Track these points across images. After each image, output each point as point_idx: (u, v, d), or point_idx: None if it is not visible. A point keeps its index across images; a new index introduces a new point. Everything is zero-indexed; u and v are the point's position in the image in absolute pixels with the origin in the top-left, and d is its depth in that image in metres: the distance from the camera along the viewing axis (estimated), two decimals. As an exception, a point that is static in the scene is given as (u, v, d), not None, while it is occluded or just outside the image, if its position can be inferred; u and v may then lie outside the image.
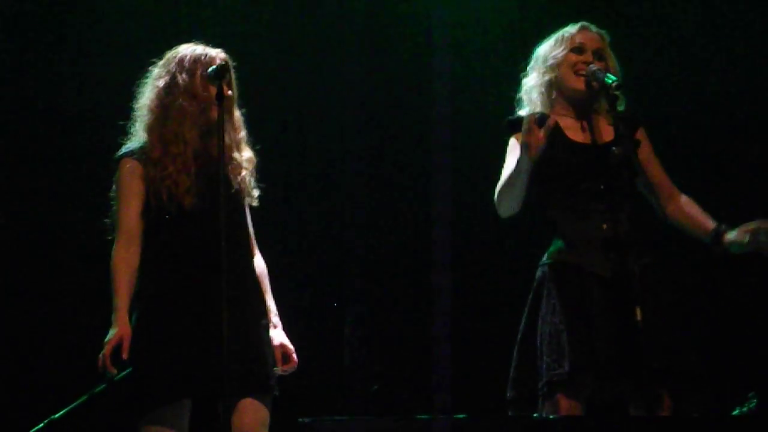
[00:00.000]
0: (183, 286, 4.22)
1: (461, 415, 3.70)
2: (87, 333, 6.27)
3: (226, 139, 4.26)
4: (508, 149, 4.43)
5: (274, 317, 4.37)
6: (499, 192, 4.36)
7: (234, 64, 4.46)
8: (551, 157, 4.32)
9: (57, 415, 5.49)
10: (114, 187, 4.37)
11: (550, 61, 4.46)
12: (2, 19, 6.50)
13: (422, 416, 3.75)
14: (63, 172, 6.51)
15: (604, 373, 4.13)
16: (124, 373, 4.28)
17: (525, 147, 4.15)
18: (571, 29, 4.51)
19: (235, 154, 4.39)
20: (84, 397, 5.48)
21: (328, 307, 6.34)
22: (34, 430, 5.44)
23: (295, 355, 4.33)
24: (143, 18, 6.47)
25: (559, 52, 4.45)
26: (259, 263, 4.45)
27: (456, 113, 6.86)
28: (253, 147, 4.52)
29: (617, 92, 4.30)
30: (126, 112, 4.50)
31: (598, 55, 4.44)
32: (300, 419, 3.50)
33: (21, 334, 6.35)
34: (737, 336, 6.32)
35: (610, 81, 4.27)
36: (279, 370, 4.25)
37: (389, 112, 6.93)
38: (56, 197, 6.49)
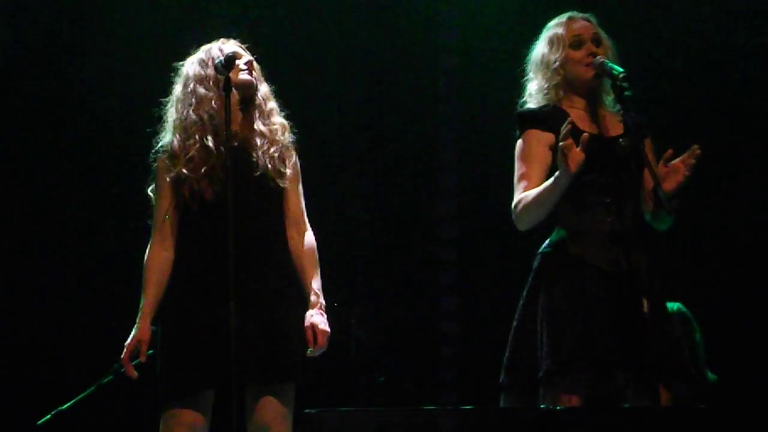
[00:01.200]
0: (204, 279, 4.22)
1: (468, 406, 3.71)
2: (93, 325, 6.33)
3: (256, 126, 4.31)
4: (521, 147, 4.37)
5: (313, 296, 4.28)
6: (526, 208, 4.24)
7: (247, 45, 4.47)
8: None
9: (64, 407, 5.52)
10: (151, 185, 4.40)
11: (555, 65, 4.40)
12: (30, 22, 6.53)
13: (429, 407, 3.75)
14: (74, 170, 6.54)
15: (601, 365, 4.12)
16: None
17: (565, 166, 4.08)
18: (559, 27, 4.45)
19: (262, 128, 4.34)
20: (91, 389, 5.50)
21: (335, 300, 6.35)
22: (42, 421, 5.46)
23: (323, 337, 4.20)
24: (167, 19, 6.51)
25: (560, 52, 4.41)
26: (308, 241, 4.38)
27: (461, 109, 6.88)
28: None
29: (624, 84, 4.27)
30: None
31: (596, 40, 4.42)
32: (306, 410, 3.50)
33: (29, 327, 6.37)
34: (734, 333, 6.33)
35: (617, 72, 4.25)
36: (310, 351, 4.22)
37: (393, 109, 6.94)
38: (72, 195, 6.53)
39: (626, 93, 4.24)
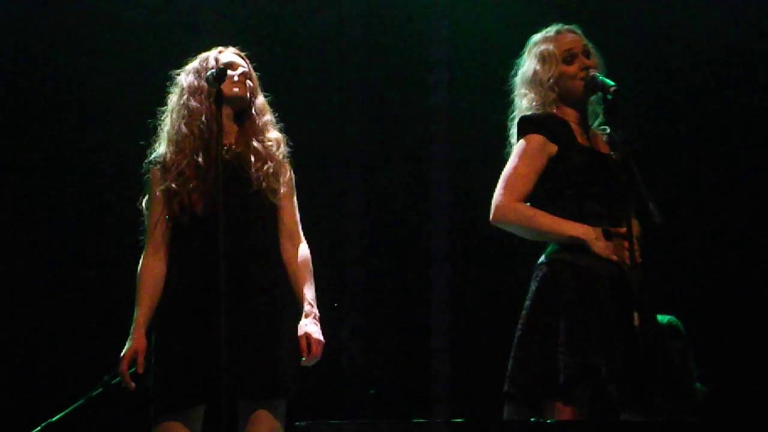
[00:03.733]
0: (195, 293, 4.21)
1: (458, 419, 3.70)
2: (84, 336, 6.32)
3: (251, 142, 4.30)
4: (523, 148, 4.33)
5: (307, 306, 4.28)
6: (518, 222, 4.30)
7: (246, 53, 4.46)
8: (565, 158, 4.30)
9: (54, 419, 5.50)
10: (143, 196, 4.39)
11: (549, 82, 4.41)
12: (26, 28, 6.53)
13: (419, 420, 3.74)
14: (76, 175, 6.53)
15: (608, 378, 4.12)
16: (118, 378, 4.28)
17: (600, 250, 4.18)
18: (548, 43, 4.45)
19: (257, 144, 4.32)
20: (81, 401, 5.48)
21: (326, 310, 6.34)
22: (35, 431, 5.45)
23: (317, 347, 4.19)
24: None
25: (553, 69, 4.42)
26: (302, 252, 4.37)
27: (454, 116, 6.88)
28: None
29: (614, 96, 4.28)
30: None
31: (586, 52, 4.43)
32: (297, 423, 3.49)
33: (19, 339, 6.35)
34: (734, 341, 6.33)
35: (609, 85, 4.26)
36: (303, 361, 4.21)
37: (388, 117, 6.94)
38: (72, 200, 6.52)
39: (612, 101, 4.27)
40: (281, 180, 4.36)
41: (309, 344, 4.20)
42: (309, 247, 4.40)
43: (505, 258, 5.87)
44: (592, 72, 4.34)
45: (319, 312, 4.30)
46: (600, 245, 4.18)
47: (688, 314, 5.84)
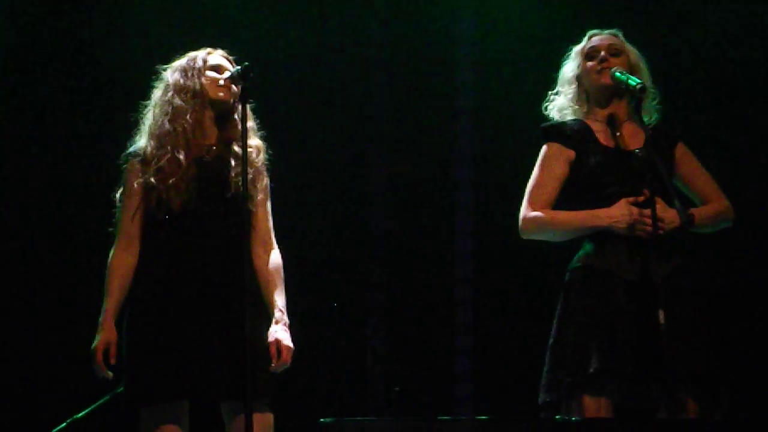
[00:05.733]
0: (171, 290, 4.21)
1: (483, 416, 3.70)
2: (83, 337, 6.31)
3: (232, 146, 4.33)
4: (542, 157, 4.43)
5: (277, 312, 4.29)
6: (543, 228, 4.37)
7: (235, 57, 4.47)
8: (583, 161, 4.34)
9: (80, 415, 5.52)
10: (119, 187, 4.39)
11: (569, 75, 4.50)
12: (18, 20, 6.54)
13: (444, 417, 3.74)
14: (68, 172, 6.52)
15: (628, 376, 4.11)
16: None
17: (625, 227, 4.19)
18: (581, 43, 4.54)
19: (237, 149, 4.31)
20: (106, 397, 5.50)
21: (351, 309, 6.35)
22: (56, 429, 5.47)
23: (287, 353, 4.21)
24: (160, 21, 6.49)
25: (576, 65, 4.50)
26: (274, 259, 4.39)
27: (479, 121, 6.87)
28: (273, 150, 4.52)
29: (642, 95, 4.29)
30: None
31: (613, 51, 4.44)
32: (321, 420, 3.50)
33: (45, 334, 6.36)
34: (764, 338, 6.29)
35: (634, 84, 4.27)
36: (272, 367, 4.21)
37: (413, 118, 6.93)
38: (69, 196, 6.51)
39: (647, 109, 4.32)
40: (258, 186, 4.38)
41: (279, 350, 4.21)
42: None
43: (529, 257, 5.86)
44: (615, 69, 4.35)
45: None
46: (622, 225, 4.19)
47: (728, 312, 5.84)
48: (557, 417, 4.10)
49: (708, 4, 6.57)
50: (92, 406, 5.55)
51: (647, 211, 4.17)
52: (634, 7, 6.47)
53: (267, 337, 4.23)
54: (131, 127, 4.45)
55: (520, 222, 4.40)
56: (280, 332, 4.24)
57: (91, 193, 6.24)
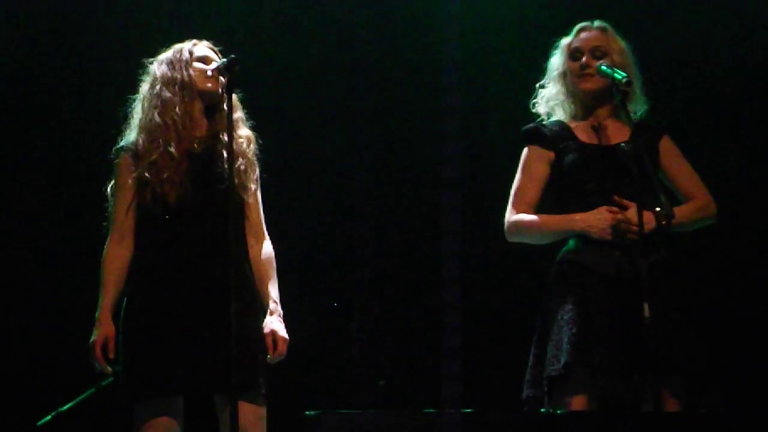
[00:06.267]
0: (166, 284, 4.22)
1: (469, 410, 3.70)
2: (79, 336, 6.29)
3: (222, 137, 4.31)
4: (523, 161, 4.48)
5: (272, 304, 4.30)
6: (522, 232, 4.44)
7: (220, 48, 4.48)
8: (561, 161, 4.37)
9: (64, 408, 5.51)
10: (110, 182, 4.38)
11: (555, 72, 4.53)
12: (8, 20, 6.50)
13: (429, 410, 3.74)
14: (58, 169, 6.50)
15: (606, 370, 4.12)
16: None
17: (599, 232, 4.19)
18: (568, 38, 4.55)
19: (226, 140, 4.24)
20: (91, 390, 5.50)
21: (337, 301, 6.34)
22: (41, 422, 5.46)
23: (283, 344, 4.23)
24: (148, 16, 6.46)
25: (561, 61, 4.51)
26: (266, 250, 4.39)
27: (467, 120, 6.86)
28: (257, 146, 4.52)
29: (627, 88, 4.30)
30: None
31: (598, 52, 4.45)
32: (307, 412, 3.50)
33: (28, 328, 6.34)
34: (749, 333, 6.29)
35: (619, 77, 4.28)
36: (268, 358, 4.22)
37: (399, 118, 6.92)
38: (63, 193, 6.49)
39: (631, 103, 4.33)
40: (251, 177, 4.39)
41: (275, 341, 4.22)
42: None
43: (516, 256, 5.86)
44: (601, 63, 4.36)
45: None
46: (596, 231, 4.21)
47: (712, 304, 5.85)
48: (542, 410, 4.11)
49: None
50: (77, 399, 5.54)
51: (622, 216, 4.19)
52: (624, 6, 6.45)
53: (262, 329, 4.24)
54: (120, 121, 4.44)
55: (504, 226, 4.47)
56: (275, 323, 4.26)
57: (77, 185, 6.24)
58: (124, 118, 4.45)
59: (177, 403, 4.22)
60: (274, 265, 4.39)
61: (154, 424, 4.16)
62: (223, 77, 4.25)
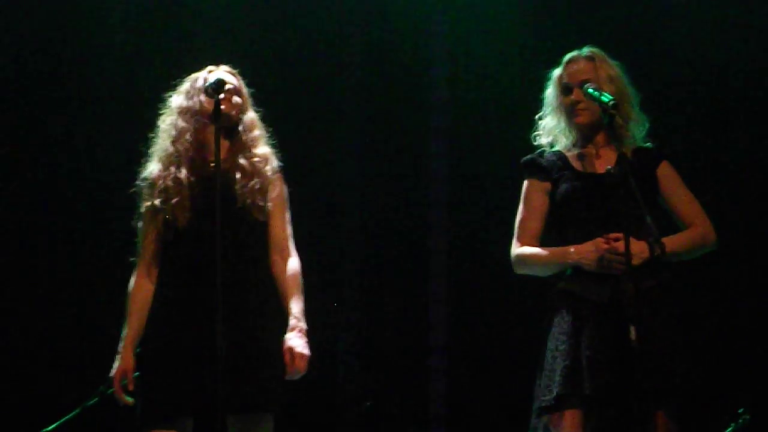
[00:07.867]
0: (181, 307, 4.23)
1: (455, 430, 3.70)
2: (80, 346, 6.30)
3: (238, 159, 4.36)
4: (523, 193, 4.50)
5: (292, 320, 4.28)
6: (525, 266, 4.44)
7: (238, 69, 4.52)
8: (556, 190, 4.38)
9: (50, 428, 5.49)
10: (136, 215, 4.45)
11: (550, 106, 4.54)
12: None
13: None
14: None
15: (599, 400, 4.13)
16: (112, 389, 4.30)
17: (593, 263, 4.22)
18: (559, 69, 4.54)
19: (243, 161, 4.37)
20: (77, 410, 5.48)
21: (322, 323, 6.32)
22: (44, 435, 5.45)
23: (300, 360, 4.21)
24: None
25: (554, 95, 4.53)
26: (291, 266, 4.39)
27: (454, 119, 6.87)
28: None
29: (614, 111, 4.29)
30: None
31: (584, 84, 4.44)
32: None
33: (14, 348, 6.33)
34: (743, 352, 6.29)
35: (606, 100, 4.28)
36: (286, 375, 4.22)
37: (388, 119, 6.93)
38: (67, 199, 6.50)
39: (620, 125, 4.33)
40: (268, 196, 4.39)
41: (293, 358, 4.22)
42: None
43: (505, 272, 5.86)
44: (588, 86, 4.36)
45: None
46: (587, 263, 4.23)
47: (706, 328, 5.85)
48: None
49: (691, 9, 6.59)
50: (62, 420, 5.52)
51: (615, 246, 4.19)
52: (614, 18, 6.47)
53: (281, 345, 4.24)
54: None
55: (511, 259, 4.47)
56: (294, 339, 4.24)
57: (76, 189, 6.28)
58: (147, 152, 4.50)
59: (186, 427, 4.23)
60: (300, 281, 4.38)
61: None
62: (210, 98, 4.27)
